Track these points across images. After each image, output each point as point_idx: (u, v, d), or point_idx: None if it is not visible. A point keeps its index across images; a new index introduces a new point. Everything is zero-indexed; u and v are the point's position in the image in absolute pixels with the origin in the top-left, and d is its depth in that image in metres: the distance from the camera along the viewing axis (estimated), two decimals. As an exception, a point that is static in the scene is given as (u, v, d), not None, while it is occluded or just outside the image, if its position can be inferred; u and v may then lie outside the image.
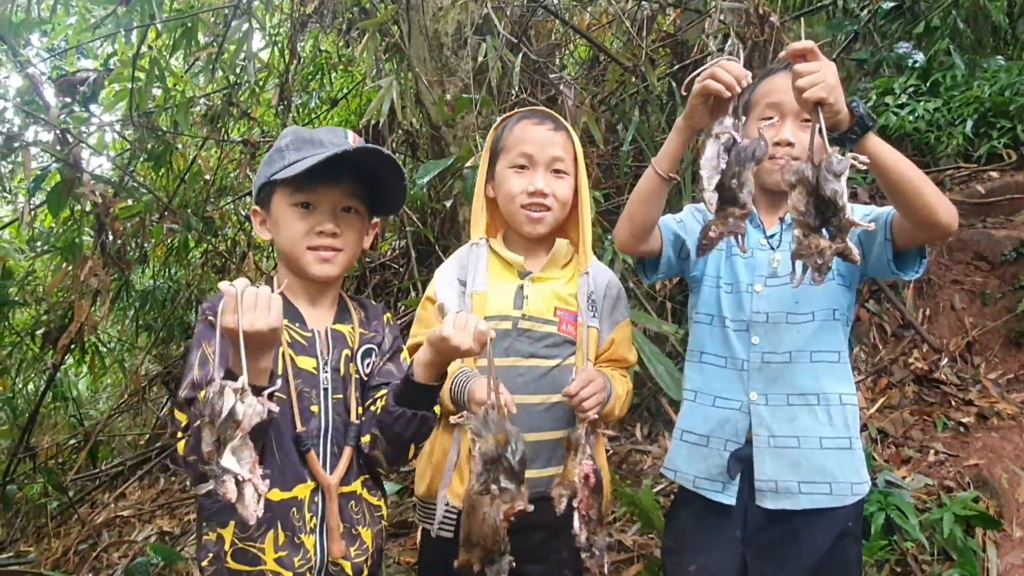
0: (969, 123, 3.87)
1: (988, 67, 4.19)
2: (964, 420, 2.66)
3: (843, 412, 1.48)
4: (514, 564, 1.35)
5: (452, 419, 1.28)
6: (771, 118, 1.49)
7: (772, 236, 1.55)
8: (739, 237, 1.23)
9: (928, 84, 4.16)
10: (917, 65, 4.26)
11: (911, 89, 4.13)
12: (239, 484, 1.04)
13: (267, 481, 1.08)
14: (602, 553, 1.40)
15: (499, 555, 1.32)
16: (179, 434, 1.26)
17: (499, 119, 1.70)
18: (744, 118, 1.25)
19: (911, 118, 3.95)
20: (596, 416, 1.42)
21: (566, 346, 1.58)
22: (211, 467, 1.04)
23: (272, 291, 1.14)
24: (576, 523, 1.37)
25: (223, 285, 1.12)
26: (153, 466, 4.42)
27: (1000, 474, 2.37)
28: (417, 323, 1.64)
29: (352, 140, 1.41)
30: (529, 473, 1.50)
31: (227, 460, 1.03)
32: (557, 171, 1.59)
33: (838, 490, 1.46)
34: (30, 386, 4.90)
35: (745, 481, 1.49)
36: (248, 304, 1.10)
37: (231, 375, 1.11)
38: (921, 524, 2.16)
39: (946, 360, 2.99)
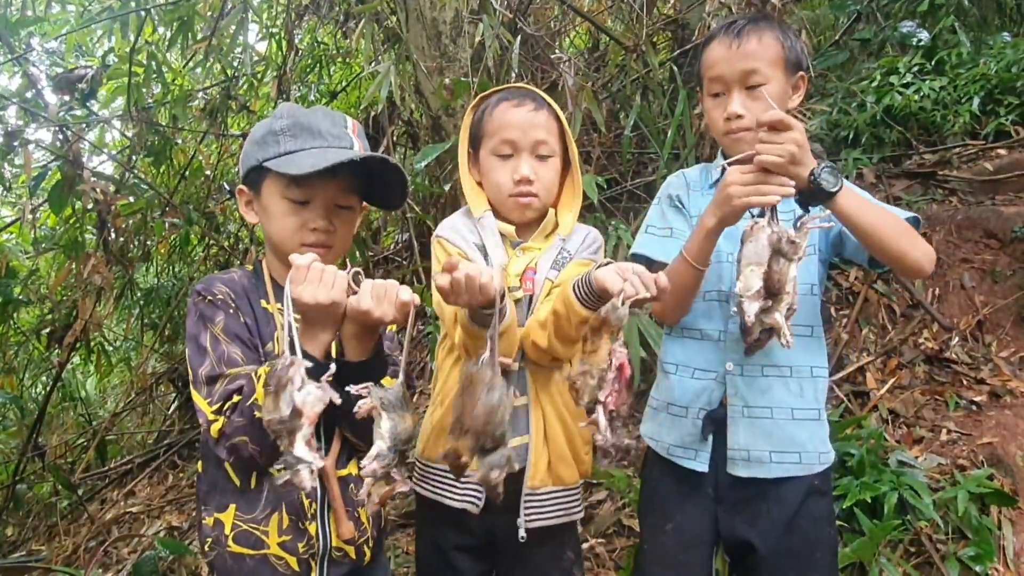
0: (976, 100, 3.81)
1: (994, 44, 4.13)
2: (976, 399, 2.63)
3: (813, 384, 1.52)
4: (515, 466, 1.20)
5: (353, 389, 1.13)
6: (719, 93, 1.50)
7: None
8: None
9: (933, 62, 4.10)
10: (922, 44, 4.21)
11: (916, 68, 4.07)
12: (312, 472, 1.04)
13: (322, 455, 1.09)
14: (621, 453, 1.19)
15: (491, 445, 1.11)
16: (211, 416, 1.22)
17: (477, 99, 1.63)
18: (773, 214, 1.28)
19: (916, 97, 3.90)
20: (642, 298, 1.23)
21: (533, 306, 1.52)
22: (285, 457, 1.03)
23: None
24: (601, 421, 1.17)
25: (293, 257, 1.15)
26: (161, 463, 4.43)
27: (1014, 452, 2.33)
28: (436, 262, 1.57)
29: (351, 130, 1.37)
30: (517, 440, 1.47)
31: (299, 450, 1.03)
32: (541, 156, 1.54)
33: (807, 459, 1.50)
34: (37, 386, 4.91)
35: (717, 446, 1.51)
36: (312, 278, 1.14)
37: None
38: (935, 503, 2.13)
39: (957, 339, 2.94)
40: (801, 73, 1.52)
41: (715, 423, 1.50)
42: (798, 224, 1.27)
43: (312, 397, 1.05)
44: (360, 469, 1.12)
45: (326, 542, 1.32)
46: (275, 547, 1.28)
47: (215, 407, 1.23)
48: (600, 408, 1.18)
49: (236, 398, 1.22)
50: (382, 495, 1.10)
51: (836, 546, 1.59)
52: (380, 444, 1.10)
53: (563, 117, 1.57)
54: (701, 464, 1.51)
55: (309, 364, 1.08)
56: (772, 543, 1.48)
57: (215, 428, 1.22)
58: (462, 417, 1.12)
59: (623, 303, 1.18)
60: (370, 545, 1.38)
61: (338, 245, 1.39)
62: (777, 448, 1.48)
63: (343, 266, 1.23)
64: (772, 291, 1.21)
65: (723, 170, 1.52)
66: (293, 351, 1.09)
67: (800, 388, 1.50)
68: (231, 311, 1.32)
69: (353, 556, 1.35)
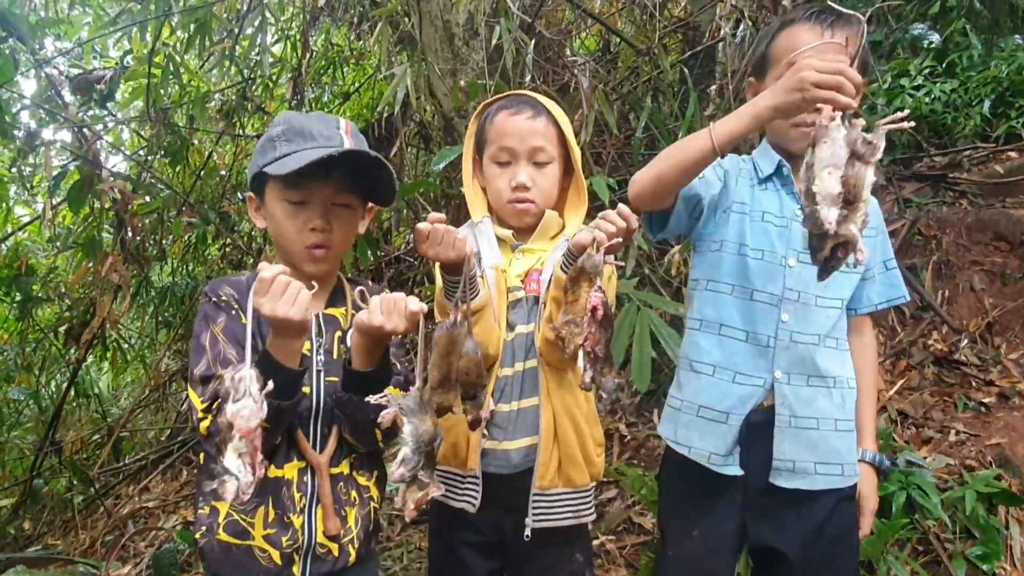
0: (987, 103, 3.82)
1: (1006, 46, 4.13)
2: (985, 400, 2.64)
3: (850, 396, 1.52)
4: (492, 407, 1.32)
5: (373, 399, 1.20)
6: None
7: None
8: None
9: (944, 65, 4.11)
10: (933, 46, 4.22)
11: (927, 70, 4.08)
12: (238, 485, 1.07)
13: (264, 464, 1.11)
14: (610, 396, 1.30)
15: (480, 388, 1.27)
16: (200, 414, 1.27)
17: (481, 106, 1.68)
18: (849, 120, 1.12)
19: (927, 100, 3.91)
20: (616, 243, 1.30)
21: (538, 307, 1.54)
22: (215, 465, 1.07)
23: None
24: (581, 361, 1.26)
25: (261, 266, 1.18)
26: (175, 459, 4.48)
27: (1022, 452, 2.35)
28: (436, 302, 1.61)
29: (344, 130, 1.39)
30: (509, 445, 1.52)
31: (229, 461, 1.06)
32: (539, 162, 1.57)
33: (847, 471, 1.49)
34: (52, 383, 4.99)
35: (751, 451, 1.49)
36: (275, 292, 1.16)
37: (267, 355, 1.20)
38: (943, 503, 2.15)
39: (966, 341, 2.96)
40: (865, 78, 1.45)
41: (749, 428, 1.48)
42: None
43: (247, 411, 1.06)
44: (390, 476, 1.16)
45: (311, 537, 1.34)
46: (259, 539, 1.31)
47: (204, 405, 1.27)
48: (580, 352, 1.26)
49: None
50: (416, 500, 1.12)
51: (859, 551, 1.59)
52: (404, 449, 1.13)
53: (563, 123, 1.59)
54: (736, 468, 1.48)
55: (254, 373, 1.11)
56: (802, 550, 1.47)
57: (203, 426, 1.27)
58: (448, 375, 1.23)
59: (597, 250, 1.26)
60: (355, 546, 1.39)
61: (337, 244, 1.41)
62: (822, 459, 1.47)
63: (355, 267, 1.26)
64: (849, 198, 1.08)
65: (779, 164, 1.51)
66: (255, 361, 1.13)
67: (842, 399, 1.49)
68: (233, 312, 1.35)
69: (336, 554, 1.36)
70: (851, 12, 1.42)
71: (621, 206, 1.34)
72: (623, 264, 1.39)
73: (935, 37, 4.25)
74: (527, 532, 1.51)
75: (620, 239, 1.32)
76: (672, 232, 1.54)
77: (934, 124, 3.99)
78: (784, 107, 1.20)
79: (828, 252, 1.10)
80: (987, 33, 4.31)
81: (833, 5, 1.39)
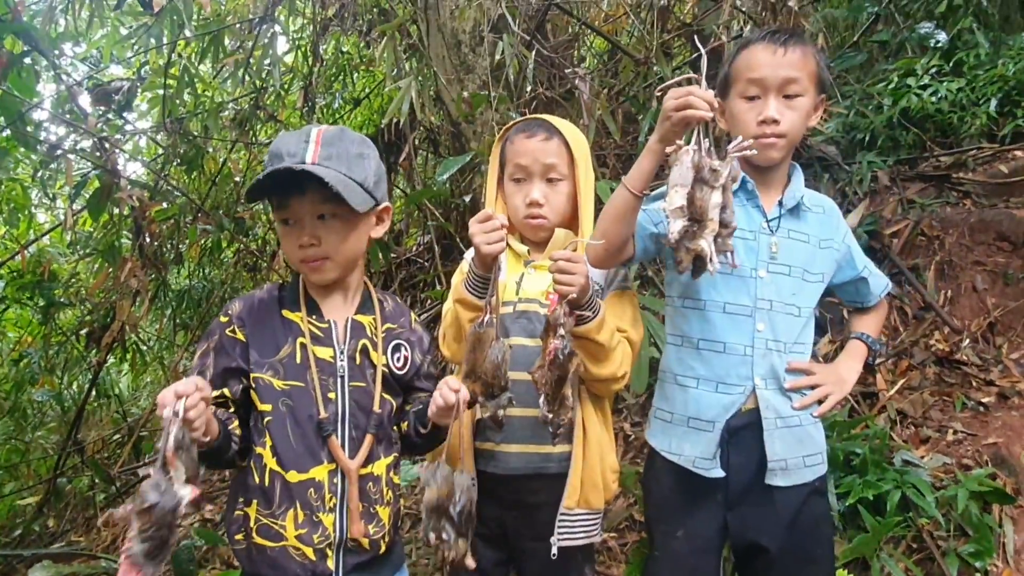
0: (993, 102, 3.81)
1: (1014, 44, 4.11)
2: (984, 400, 2.67)
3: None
4: (508, 406, 1.42)
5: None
6: (754, 96, 1.51)
7: (772, 220, 1.58)
8: (729, 255, 1.31)
9: (951, 64, 4.11)
10: (939, 45, 4.21)
11: (934, 69, 4.08)
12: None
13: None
14: (555, 429, 1.42)
15: (499, 390, 1.40)
16: None
17: (502, 130, 1.78)
18: (708, 142, 1.27)
19: (933, 99, 3.91)
20: (574, 295, 1.40)
21: None
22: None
23: None
24: (540, 400, 1.40)
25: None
26: (194, 458, 4.58)
27: (1019, 451, 2.37)
28: (453, 291, 1.69)
29: (314, 140, 1.39)
30: (527, 448, 1.61)
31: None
32: (551, 179, 1.66)
33: (823, 459, 1.61)
34: (74, 384, 5.12)
35: (731, 452, 1.55)
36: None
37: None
38: (937, 501, 2.19)
39: (968, 341, 2.98)
40: (823, 95, 1.57)
41: (730, 431, 1.55)
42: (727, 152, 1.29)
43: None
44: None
45: (342, 535, 1.39)
46: (292, 539, 1.37)
47: None
48: (541, 391, 1.40)
49: None
50: (453, 559, 1.32)
51: (833, 542, 1.67)
52: None
53: (575, 145, 1.67)
54: (719, 471, 1.55)
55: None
56: (780, 543, 1.55)
57: None
58: (475, 368, 1.40)
59: (561, 304, 1.39)
60: (386, 540, 1.45)
61: (336, 254, 1.43)
62: (809, 452, 1.56)
63: (367, 269, 1.33)
64: (695, 216, 1.24)
65: (743, 179, 1.57)
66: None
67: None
68: (228, 330, 1.43)
69: (367, 547, 1.42)
70: (801, 35, 1.55)
71: (567, 253, 1.41)
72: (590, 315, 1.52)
73: (942, 36, 4.24)
74: (553, 551, 1.59)
75: (578, 285, 1.40)
76: (639, 261, 1.68)
77: (940, 124, 3.98)
78: (663, 136, 1.34)
79: (688, 264, 1.27)
80: (996, 31, 4.29)
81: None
